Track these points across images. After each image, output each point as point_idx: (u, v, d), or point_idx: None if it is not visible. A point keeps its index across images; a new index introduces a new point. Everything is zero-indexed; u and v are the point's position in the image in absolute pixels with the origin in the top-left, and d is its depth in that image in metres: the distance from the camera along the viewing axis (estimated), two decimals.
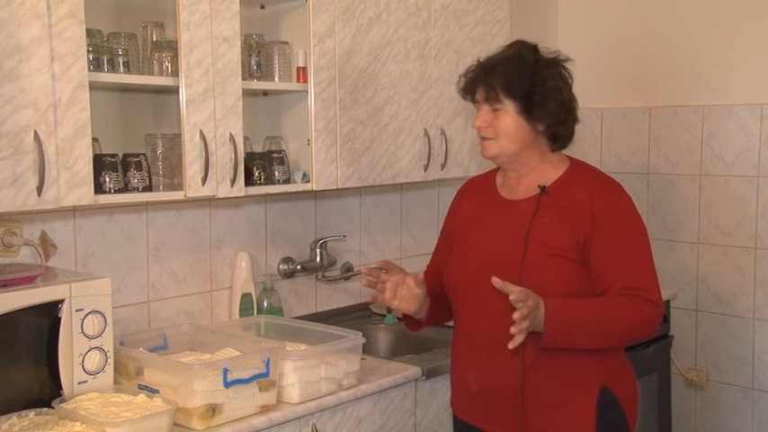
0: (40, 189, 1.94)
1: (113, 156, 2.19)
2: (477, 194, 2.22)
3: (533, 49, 2.06)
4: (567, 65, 2.07)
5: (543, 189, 2.04)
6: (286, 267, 2.91)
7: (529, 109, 2.00)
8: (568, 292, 1.98)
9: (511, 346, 1.85)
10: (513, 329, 1.84)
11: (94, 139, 2.16)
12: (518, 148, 2.04)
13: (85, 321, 2.01)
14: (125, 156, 2.23)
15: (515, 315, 1.84)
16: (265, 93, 2.70)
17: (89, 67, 2.05)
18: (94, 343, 2.04)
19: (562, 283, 1.98)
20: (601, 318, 1.97)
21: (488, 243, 2.10)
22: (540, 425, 2.03)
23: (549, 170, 2.07)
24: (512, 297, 1.84)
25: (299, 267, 2.93)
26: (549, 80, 2.01)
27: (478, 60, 2.09)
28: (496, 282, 1.87)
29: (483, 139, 2.07)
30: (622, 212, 2.03)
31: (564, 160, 2.11)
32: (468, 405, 2.16)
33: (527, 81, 1.99)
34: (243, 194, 2.39)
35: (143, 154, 2.27)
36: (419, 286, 2.09)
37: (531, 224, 2.02)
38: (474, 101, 2.09)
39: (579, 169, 2.10)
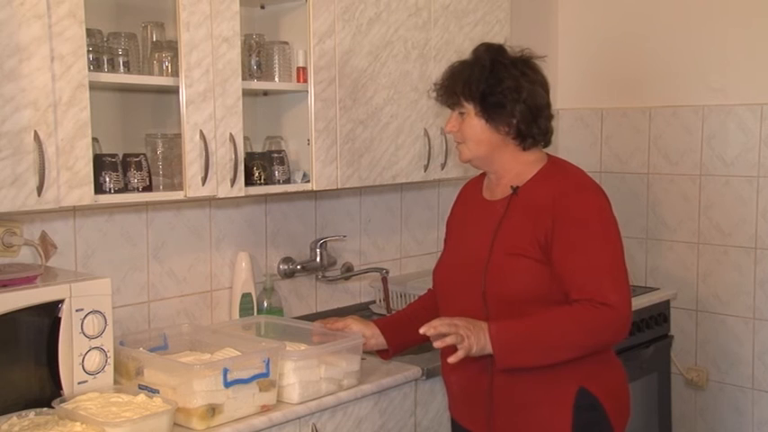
0: (40, 189, 1.94)
1: (113, 156, 2.19)
2: (467, 197, 2.27)
3: (497, 50, 2.07)
4: (536, 62, 2.07)
5: (515, 190, 2.06)
6: (286, 267, 2.91)
7: (486, 110, 2.02)
8: (531, 293, 1.98)
9: (451, 360, 1.94)
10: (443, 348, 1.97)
11: (94, 139, 2.16)
12: (486, 150, 2.06)
13: (85, 321, 2.01)
14: (125, 156, 2.23)
15: (437, 344, 1.95)
16: (265, 93, 2.70)
17: (89, 67, 2.05)
18: (94, 343, 2.04)
19: (524, 282, 1.99)
20: (548, 332, 1.95)
21: (463, 244, 2.15)
22: (512, 425, 2.04)
23: (524, 170, 2.08)
24: (427, 332, 1.95)
25: (299, 267, 2.93)
26: (506, 80, 2.01)
27: (449, 67, 2.12)
28: (424, 330, 1.97)
29: (457, 143, 2.12)
30: (584, 212, 1.99)
31: (541, 159, 2.10)
32: (454, 404, 2.22)
33: (482, 83, 2.01)
34: (243, 194, 2.39)
35: (143, 154, 2.27)
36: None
37: (499, 224, 2.04)
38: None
39: (552, 168, 2.09)
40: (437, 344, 1.95)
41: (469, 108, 2.04)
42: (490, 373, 2.02)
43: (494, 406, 2.05)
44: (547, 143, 2.11)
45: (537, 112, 2.04)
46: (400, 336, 2.29)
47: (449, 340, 1.92)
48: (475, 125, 2.04)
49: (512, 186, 2.06)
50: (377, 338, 2.28)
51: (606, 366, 2.08)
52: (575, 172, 2.09)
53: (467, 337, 1.92)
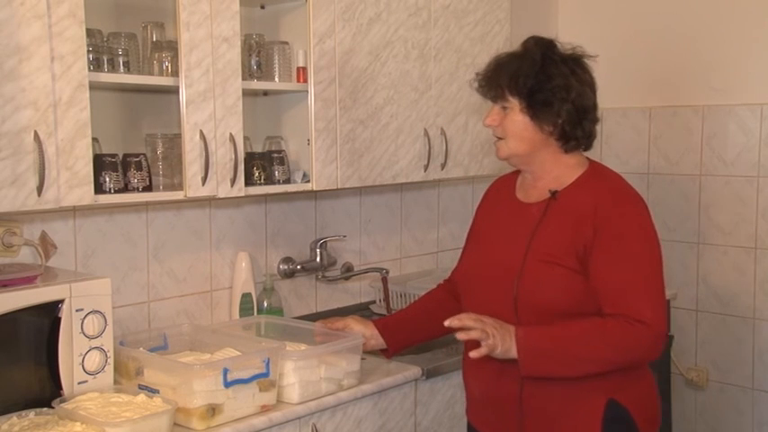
0: (40, 189, 1.94)
1: (113, 156, 2.19)
2: (497, 194, 2.18)
3: (547, 45, 1.99)
4: (587, 61, 2.00)
5: (554, 194, 1.98)
6: (286, 267, 2.91)
7: (532, 107, 1.94)
8: (565, 303, 1.92)
9: (473, 355, 1.88)
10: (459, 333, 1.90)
11: (94, 139, 2.16)
12: (527, 148, 1.98)
13: (85, 321, 2.01)
14: (125, 156, 2.23)
15: (460, 335, 1.88)
16: (265, 93, 2.70)
17: (89, 67, 2.05)
18: (94, 343, 2.04)
19: (558, 291, 1.92)
20: (576, 343, 1.89)
21: (495, 245, 2.07)
22: None
23: (564, 173, 2.00)
24: (452, 323, 1.89)
25: (299, 267, 2.93)
26: (556, 78, 1.94)
27: (494, 58, 2.04)
28: (449, 321, 1.90)
29: (496, 139, 2.03)
30: (625, 225, 1.92)
31: (582, 164, 2.02)
32: (474, 410, 2.16)
33: (530, 78, 1.93)
34: (243, 194, 2.39)
35: (143, 154, 2.27)
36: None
37: (535, 229, 1.97)
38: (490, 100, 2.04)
39: (594, 175, 2.01)
40: (461, 335, 1.88)
41: (514, 103, 1.96)
42: (520, 382, 1.95)
43: (524, 416, 1.97)
44: (588, 147, 2.03)
45: (583, 114, 1.97)
46: (399, 337, 2.28)
47: (473, 334, 1.86)
48: (518, 121, 1.96)
49: (550, 190, 1.99)
50: (376, 339, 2.27)
51: (636, 377, 2.00)
52: (616, 179, 2.02)
53: (492, 335, 1.85)
